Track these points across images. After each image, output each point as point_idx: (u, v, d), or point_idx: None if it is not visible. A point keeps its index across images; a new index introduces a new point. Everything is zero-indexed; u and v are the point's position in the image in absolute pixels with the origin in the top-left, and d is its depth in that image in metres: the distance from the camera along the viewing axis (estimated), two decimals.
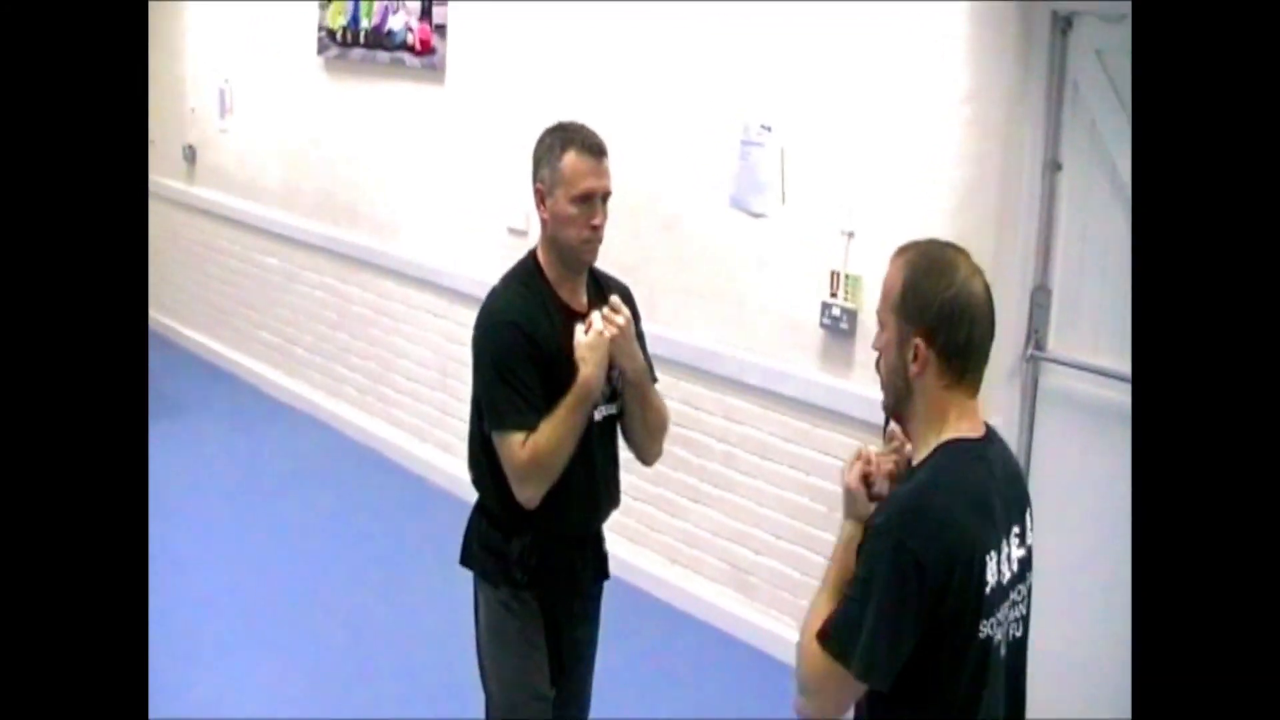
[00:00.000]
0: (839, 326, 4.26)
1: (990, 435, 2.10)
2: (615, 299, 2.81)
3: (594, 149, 2.81)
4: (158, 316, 8.30)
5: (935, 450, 2.02)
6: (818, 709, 2.04)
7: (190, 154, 7.70)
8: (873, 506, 2.09)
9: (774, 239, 4.43)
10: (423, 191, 5.98)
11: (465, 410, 5.66)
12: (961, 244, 2.14)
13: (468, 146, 5.69)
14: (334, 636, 4.60)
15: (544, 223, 2.83)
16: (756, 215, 4.48)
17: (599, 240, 2.83)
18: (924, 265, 2.03)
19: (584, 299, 2.90)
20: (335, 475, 6.15)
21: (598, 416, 2.86)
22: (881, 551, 1.93)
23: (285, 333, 7.08)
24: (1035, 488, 3.92)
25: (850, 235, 4.20)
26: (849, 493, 2.13)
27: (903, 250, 2.09)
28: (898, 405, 2.09)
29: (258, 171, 7.15)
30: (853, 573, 1.99)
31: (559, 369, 2.75)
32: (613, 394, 2.91)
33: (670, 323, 4.81)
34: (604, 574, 3.10)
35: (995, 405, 3.80)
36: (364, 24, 6.11)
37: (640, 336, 2.98)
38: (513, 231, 5.47)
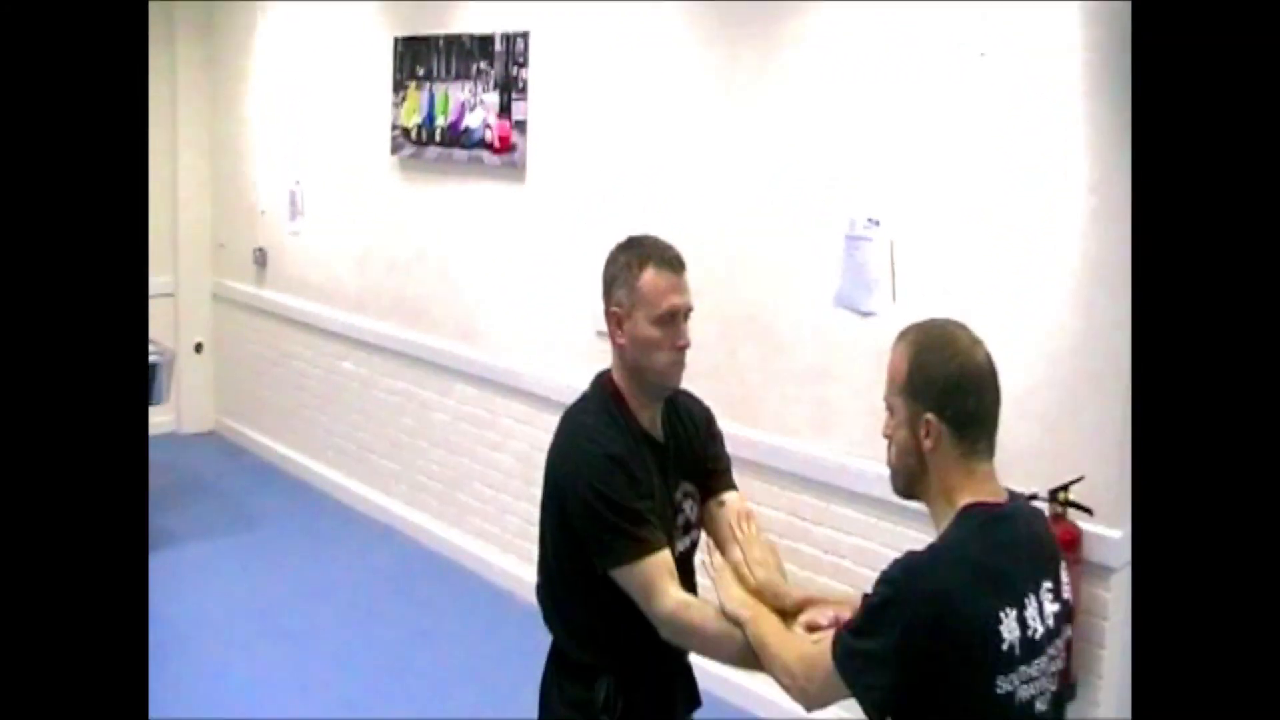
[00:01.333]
0: None
1: (1014, 497, 2.17)
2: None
3: (673, 263, 2.60)
4: (228, 422, 8.16)
5: (953, 521, 2.08)
6: (816, 698, 2.20)
7: (261, 257, 7.58)
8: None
9: (886, 339, 4.15)
10: (504, 293, 5.78)
11: None
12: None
13: (550, 246, 5.49)
14: None
15: (621, 348, 2.62)
16: (866, 314, 4.21)
17: (684, 362, 2.63)
18: (926, 343, 2.12)
19: (658, 426, 2.70)
20: (414, 588, 5.89)
21: (678, 550, 2.65)
22: (881, 595, 2.03)
23: (361, 439, 6.87)
24: None
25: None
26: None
27: (903, 334, 2.18)
28: (910, 486, 2.15)
29: (330, 274, 7.00)
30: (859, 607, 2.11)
31: (652, 507, 2.56)
32: (688, 525, 2.72)
33: (772, 429, 4.56)
34: (696, 701, 2.87)
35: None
36: (439, 121, 5.96)
37: (721, 442, 2.85)
38: (600, 334, 5.21)
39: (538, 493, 5.67)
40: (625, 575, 2.50)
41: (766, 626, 2.36)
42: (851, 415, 4.29)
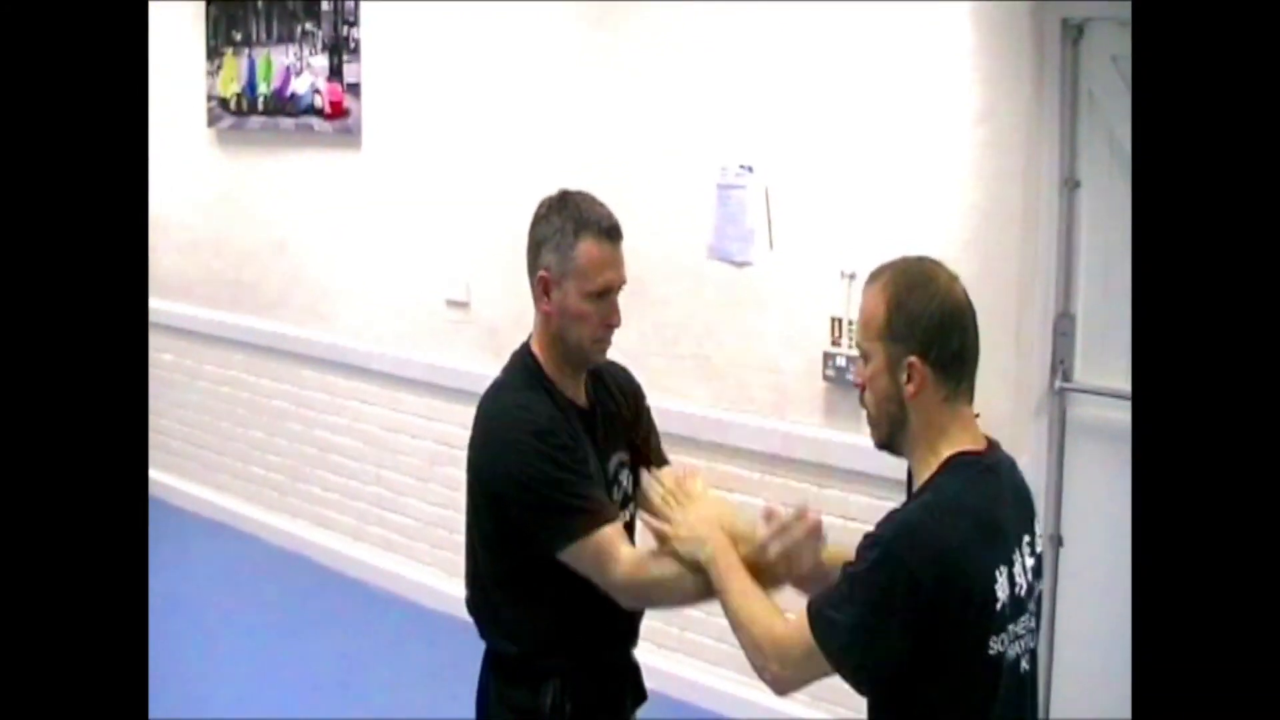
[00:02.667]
0: (844, 377, 3.87)
1: (993, 445, 2.06)
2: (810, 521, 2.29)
3: (612, 233, 2.41)
4: None
5: (939, 468, 1.97)
6: (799, 680, 2.05)
7: None
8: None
9: (764, 288, 4.03)
10: (343, 268, 5.45)
11: (407, 504, 5.28)
12: (981, 275, 2.06)
13: (392, 215, 5.19)
14: None
15: (546, 316, 2.43)
16: (741, 264, 4.08)
17: (610, 340, 2.46)
18: (904, 282, 1.99)
19: (583, 393, 2.52)
20: (258, 586, 5.52)
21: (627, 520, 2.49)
22: (875, 560, 1.89)
23: (189, 435, 6.43)
24: (1068, 524, 3.73)
25: (852, 277, 3.82)
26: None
27: (876, 274, 2.04)
28: (892, 435, 2.03)
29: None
30: (844, 569, 1.95)
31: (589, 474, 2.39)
32: (625, 498, 2.54)
33: (654, 390, 4.38)
34: (642, 696, 2.66)
35: (1022, 443, 3.50)
36: (262, 89, 5.60)
37: (650, 419, 2.67)
38: (452, 304, 4.98)
39: (389, 475, 5.48)
40: (576, 552, 2.30)
41: (733, 580, 2.17)
42: (733, 369, 4.16)
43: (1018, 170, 3.56)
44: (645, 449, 2.61)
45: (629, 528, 2.51)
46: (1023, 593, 1.97)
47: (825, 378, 3.92)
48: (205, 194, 6.10)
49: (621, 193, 4.39)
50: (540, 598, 2.40)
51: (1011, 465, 2.10)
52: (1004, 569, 1.93)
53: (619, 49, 4.34)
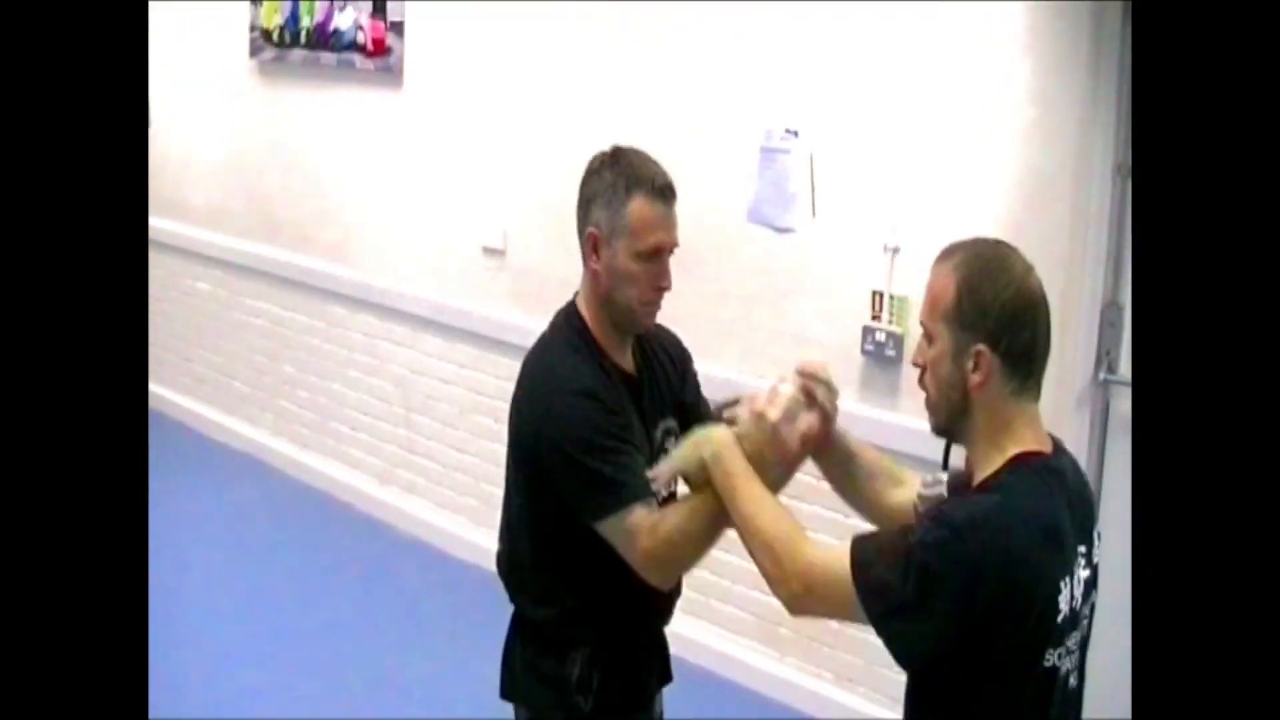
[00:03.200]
0: (883, 353, 3.81)
1: (1058, 446, 1.97)
2: (815, 365, 2.28)
3: (666, 193, 2.33)
4: None
5: (1004, 467, 1.87)
6: (808, 608, 2.00)
7: None
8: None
9: (805, 257, 3.96)
10: (379, 208, 5.40)
11: (434, 449, 5.26)
12: (1026, 258, 1.93)
13: (432, 157, 5.13)
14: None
15: (594, 275, 2.35)
16: (782, 231, 4.00)
17: (660, 304, 2.39)
18: (978, 266, 1.89)
19: (630, 359, 2.46)
20: (281, 521, 5.55)
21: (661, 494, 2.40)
22: (940, 541, 1.79)
23: (220, 366, 6.44)
24: (1106, 522, 3.65)
25: (895, 251, 3.75)
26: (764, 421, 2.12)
27: (949, 252, 1.94)
28: (952, 423, 1.93)
29: (183, 188, 6.49)
30: (905, 543, 1.84)
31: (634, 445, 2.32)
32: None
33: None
34: (668, 677, 2.63)
35: (1062, 435, 3.37)
36: (305, 22, 5.52)
37: (696, 385, 2.62)
38: (488, 251, 4.93)
39: (418, 420, 5.47)
40: (607, 527, 2.24)
41: (740, 480, 2.09)
42: (768, 338, 4.09)
43: (1069, 153, 3.46)
44: (693, 416, 2.53)
45: (675, 495, 2.43)
46: (1077, 605, 1.90)
47: (864, 352, 3.86)
48: (245, 125, 6.05)
49: (662, 149, 4.32)
50: (574, 566, 2.35)
51: (1075, 468, 2.01)
52: (1067, 580, 1.86)
53: (664, 5, 4.24)
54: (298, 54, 5.59)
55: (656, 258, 2.32)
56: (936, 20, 3.61)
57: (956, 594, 1.78)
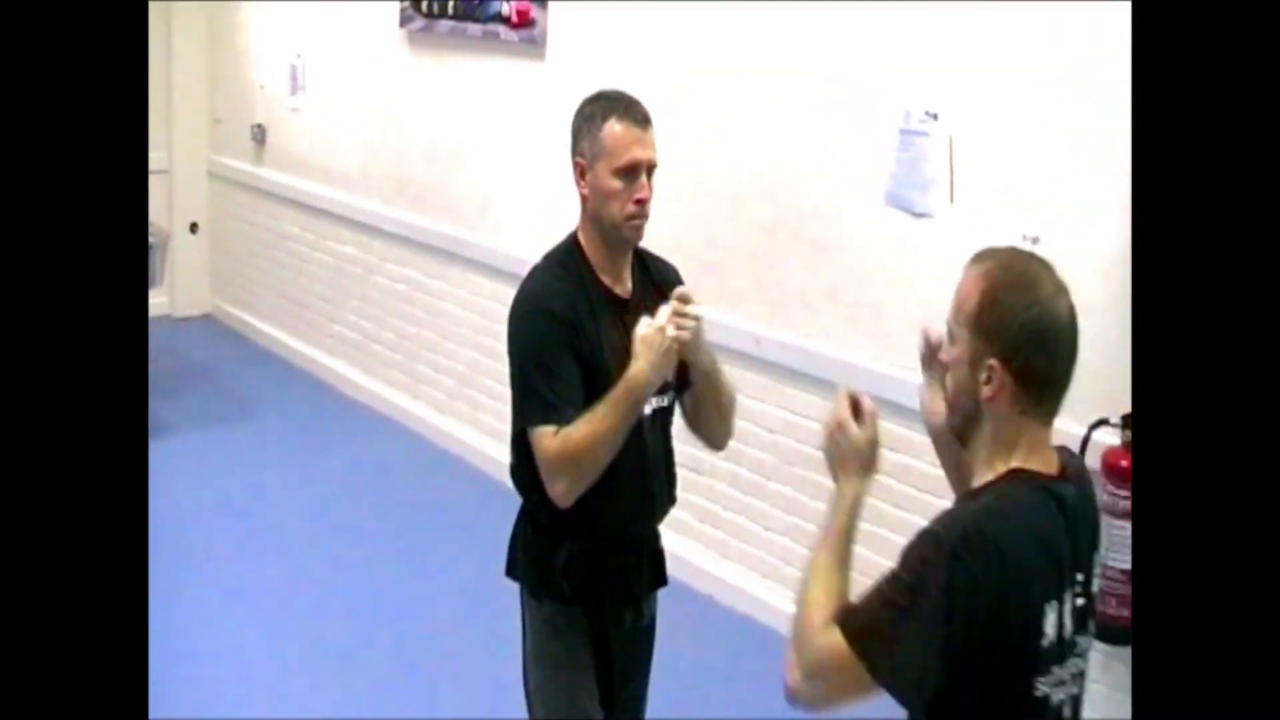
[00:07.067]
0: None
1: (1067, 472, 1.90)
2: (685, 290, 2.60)
3: (639, 117, 2.60)
4: (224, 306, 7.87)
5: (1001, 478, 1.84)
6: (822, 699, 1.84)
7: (259, 134, 7.21)
8: (877, 458, 1.97)
9: (938, 243, 3.86)
10: (521, 179, 5.44)
11: None
12: (1061, 279, 1.88)
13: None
14: (401, 651, 4.29)
15: (584, 199, 2.64)
16: (919, 215, 3.91)
17: (645, 217, 2.63)
18: (1004, 279, 1.84)
19: (629, 284, 2.70)
20: (418, 484, 5.67)
21: (649, 409, 2.64)
22: (935, 560, 1.74)
23: (363, 328, 6.59)
24: None
25: (1034, 241, 3.61)
26: (849, 440, 1.97)
27: (980, 258, 1.90)
28: (964, 427, 1.91)
29: (333, 153, 6.65)
30: (890, 571, 1.78)
31: (601, 361, 2.57)
32: (664, 385, 2.67)
33: (803, 332, 4.29)
34: (661, 580, 2.89)
35: None
36: None
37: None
38: None
39: None
40: (531, 435, 2.53)
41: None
42: (900, 323, 4.01)
43: None
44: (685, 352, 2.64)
45: (664, 414, 2.73)
46: (1068, 634, 1.84)
47: None
48: (393, 93, 6.15)
49: (801, 127, 4.29)
50: None
51: (1082, 497, 1.93)
52: (1055, 605, 1.81)
53: None
54: (445, 24, 5.65)
55: (634, 173, 2.56)
56: (1087, 5, 3.48)
57: (965, 606, 1.72)
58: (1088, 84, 3.49)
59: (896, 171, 3.95)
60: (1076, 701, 1.92)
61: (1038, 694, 1.81)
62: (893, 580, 1.78)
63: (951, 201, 3.82)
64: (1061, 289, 1.85)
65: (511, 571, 2.80)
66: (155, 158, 7.47)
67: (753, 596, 4.53)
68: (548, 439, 2.50)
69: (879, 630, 1.75)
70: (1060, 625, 1.82)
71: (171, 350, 7.21)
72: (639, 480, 2.68)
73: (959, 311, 1.87)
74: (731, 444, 4.43)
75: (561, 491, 2.52)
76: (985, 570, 1.73)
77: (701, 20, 4.55)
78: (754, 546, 4.56)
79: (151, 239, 6.01)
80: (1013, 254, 1.92)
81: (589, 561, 2.67)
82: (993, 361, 1.81)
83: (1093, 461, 3.48)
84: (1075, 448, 3.49)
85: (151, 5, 7.25)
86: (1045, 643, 1.79)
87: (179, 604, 4.35)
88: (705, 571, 4.65)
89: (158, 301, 7.53)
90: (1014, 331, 1.80)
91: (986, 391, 1.83)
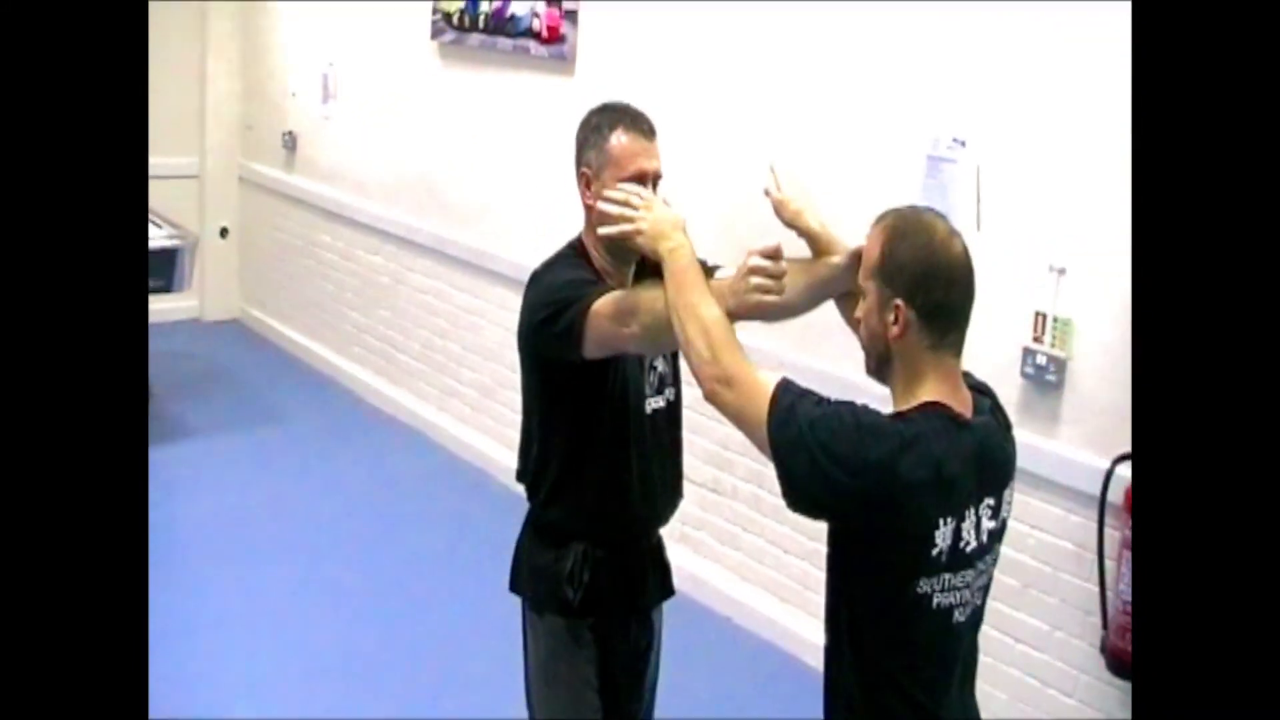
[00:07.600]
0: (1044, 377, 3.66)
1: (982, 404, 2.13)
2: (774, 246, 2.35)
3: (645, 128, 2.60)
4: (253, 311, 7.91)
5: (914, 409, 2.04)
6: (724, 404, 2.12)
7: (290, 142, 7.25)
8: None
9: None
10: (548, 194, 5.44)
11: None
12: (955, 227, 2.10)
13: None
14: (416, 662, 4.31)
15: (588, 209, 2.63)
16: None
17: None
18: (901, 228, 2.07)
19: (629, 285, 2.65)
20: (441, 496, 5.68)
21: (650, 408, 2.67)
22: (841, 428, 1.98)
23: (390, 338, 6.60)
24: None
25: (1061, 272, 3.60)
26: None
27: (881, 217, 2.12)
28: (879, 369, 2.12)
29: (363, 162, 6.67)
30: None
31: (605, 367, 2.56)
32: (663, 384, 2.72)
33: (835, 361, 4.26)
34: (668, 591, 2.86)
35: None
36: (483, 8, 5.58)
37: None
38: None
39: None
40: (585, 322, 2.41)
41: (689, 277, 2.24)
42: None
43: None
44: None
45: (663, 414, 2.71)
46: (969, 549, 2.05)
47: (1023, 375, 3.72)
48: (423, 104, 6.16)
49: (829, 151, 4.27)
50: (573, 459, 2.63)
51: (994, 429, 2.14)
52: (950, 521, 2.00)
53: (840, 5, 4.15)
54: (475, 38, 5.66)
55: (640, 184, 2.51)
56: (1115, 36, 3.44)
57: (843, 462, 1.95)
58: (1117, 117, 3.45)
59: (924, 197, 3.91)
60: (976, 611, 2.15)
61: (919, 591, 2.01)
62: (824, 413, 2.02)
63: (978, 229, 3.79)
64: (955, 233, 2.08)
65: (515, 585, 2.78)
66: (187, 163, 7.54)
67: (771, 620, 4.51)
68: (601, 302, 2.40)
69: (789, 423, 2.02)
70: (958, 538, 2.02)
71: (199, 354, 7.26)
72: (641, 479, 2.67)
73: (865, 266, 2.09)
74: (752, 466, 4.48)
75: (636, 333, 2.37)
76: (876, 461, 1.95)
77: (731, 41, 4.54)
78: (774, 569, 4.54)
79: (181, 242, 6.04)
80: (909, 208, 2.16)
81: (594, 567, 2.65)
82: (898, 301, 2.02)
83: (1115, 497, 3.46)
84: (1099, 481, 3.47)
85: (186, 11, 7.34)
86: (935, 551, 1.99)
87: (195, 606, 4.37)
88: (724, 594, 4.63)
89: (187, 305, 7.59)
90: (913, 270, 2.02)
91: (894, 330, 2.03)
